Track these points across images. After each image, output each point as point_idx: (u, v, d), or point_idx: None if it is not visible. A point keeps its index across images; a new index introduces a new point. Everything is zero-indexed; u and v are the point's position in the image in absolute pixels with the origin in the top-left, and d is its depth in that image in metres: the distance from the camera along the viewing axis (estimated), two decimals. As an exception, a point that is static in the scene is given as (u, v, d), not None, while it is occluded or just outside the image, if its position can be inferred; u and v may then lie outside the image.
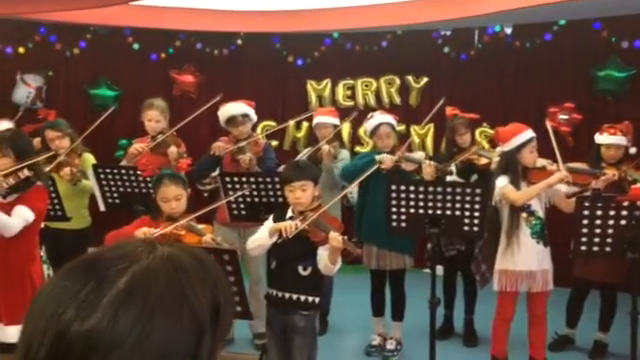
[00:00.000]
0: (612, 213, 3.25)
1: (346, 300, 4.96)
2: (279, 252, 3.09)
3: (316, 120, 4.68)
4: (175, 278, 0.68)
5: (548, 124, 3.85)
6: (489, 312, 3.88)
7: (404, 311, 4.30)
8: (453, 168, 4.31)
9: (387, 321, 4.40)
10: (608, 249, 3.32)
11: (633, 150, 4.31)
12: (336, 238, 2.87)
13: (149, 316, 0.64)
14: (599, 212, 3.28)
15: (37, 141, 4.20)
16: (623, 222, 3.23)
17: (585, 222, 3.30)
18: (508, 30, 6.18)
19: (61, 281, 0.67)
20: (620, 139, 4.13)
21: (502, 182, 3.61)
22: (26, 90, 6.25)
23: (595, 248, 3.33)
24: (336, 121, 4.64)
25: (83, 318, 0.63)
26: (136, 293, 0.65)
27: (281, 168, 4.11)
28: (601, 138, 4.20)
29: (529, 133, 3.66)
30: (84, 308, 0.64)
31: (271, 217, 3.23)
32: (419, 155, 4.34)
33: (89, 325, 0.63)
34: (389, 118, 4.27)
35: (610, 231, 3.28)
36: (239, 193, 3.66)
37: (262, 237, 3.10)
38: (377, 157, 4.00)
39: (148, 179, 3.76)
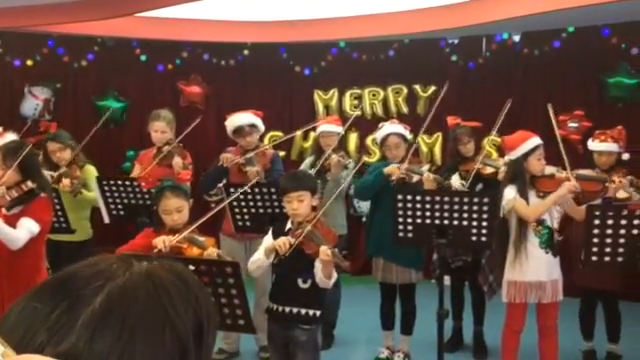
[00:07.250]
0: (624, 222, 3.18)
1: (353, 312, 4.90)
2: (278, 265, 3.05)
3: (320, 129, 4.65)
4: (155, 296, 0.64)
5: (557, 132, 3.78)
6: (499, 323, 3.80)
7: (413, 325, 4.24)
8: (457, 178, 4.24)
9: (395, 334, 4.34)
10: (620, 259, 3.24)
11: (626, 156, 4.25)
12: (325, 252, 2.81)
13: (129, 337, 0.60)
14: (610, 221, 3.21)
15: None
16: (635, 232, 3.16)
17: (596, 231, 3.23)
18: (516, 37, 6.13)
19: (31, 302, 0.63)
20: (611, 146, 4.09)
21: (510, 193, 3.54)
22: (34, 102, 6.28)
23: (606, 258, 3.26)
24: (340, 130, 4.61)
25: (56, 342, 0.59)
26: (114, 313, 0.61)
27: None
28: (593, 145, 4.16)
29: (536, 140, 3.59)
30: (56, 331, 0.60)
31: (270, 231, 3.18)
32: (423, 167, 4.28)
33: (63, 349, 0.58)
34: (399, 128, 4.21)
35: (622, 240, 3.21)
36: (231, 198, 3.61)
37: (260, 258, 3.06)
38: (385, 170, 3.97)
39: (152, 190, 3.74)
